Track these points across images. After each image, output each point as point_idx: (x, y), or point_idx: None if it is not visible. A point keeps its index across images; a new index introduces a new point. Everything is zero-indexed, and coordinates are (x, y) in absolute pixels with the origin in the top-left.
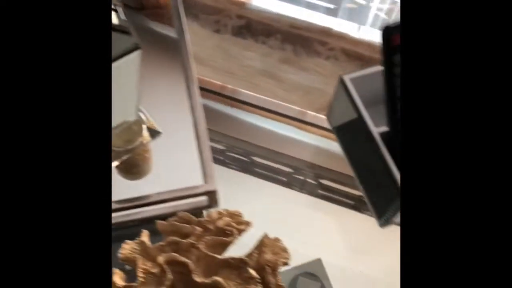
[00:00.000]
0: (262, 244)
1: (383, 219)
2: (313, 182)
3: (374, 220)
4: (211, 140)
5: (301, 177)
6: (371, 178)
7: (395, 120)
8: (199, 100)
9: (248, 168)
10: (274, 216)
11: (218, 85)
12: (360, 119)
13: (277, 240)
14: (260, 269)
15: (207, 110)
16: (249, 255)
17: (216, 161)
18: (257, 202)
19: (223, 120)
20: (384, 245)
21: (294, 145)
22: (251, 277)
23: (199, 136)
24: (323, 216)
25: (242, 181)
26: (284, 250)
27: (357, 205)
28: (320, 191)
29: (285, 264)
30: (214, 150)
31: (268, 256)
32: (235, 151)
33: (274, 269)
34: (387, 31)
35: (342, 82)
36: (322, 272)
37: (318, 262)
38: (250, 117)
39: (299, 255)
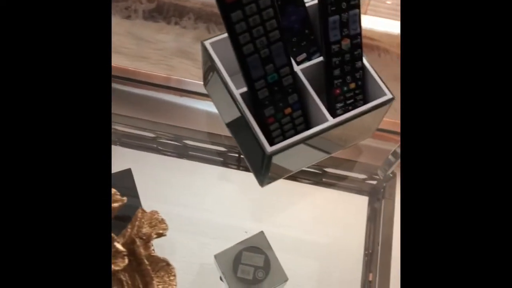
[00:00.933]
0: (136, 219)
1: (260, 177)
2: None
3: (316, 188)
4: (140, 129)
5: (235, 155)
6: (245, 141)
7: (249, 79)
8: None
9: (182, 152)
10: (214, 196)
11: (132, 71)
12: (223, 81)
13: (154, 213)
14: (131, 242)
15: (129, 98)
16: (124, 230)
17: (148, 149)
18: (197, 185)
19: (148, 107)
20: (326, 213)
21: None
22: (118, 251)
23: None
24: (263, 190)
25: (178, 165)
26: (161, 221)
27: (294, 176)
28: None
29: (161, 234)
30: (144, 139)
31: (144, 229)
32: (166, 137)
33: (147, 241)
34: None
35: (203, 47)
36: (266, 244)
37: (261, 235)
38: (176, 99)
39: (242, 231)
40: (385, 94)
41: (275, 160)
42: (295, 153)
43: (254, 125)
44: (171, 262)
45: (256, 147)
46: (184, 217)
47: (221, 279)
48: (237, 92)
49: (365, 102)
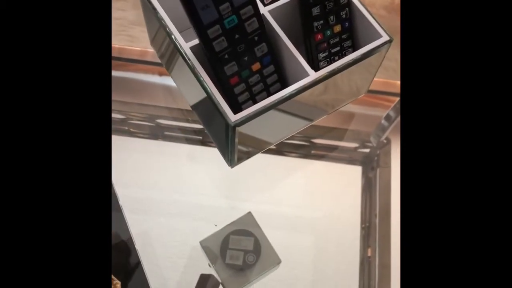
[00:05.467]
0: None
1: (227, 156)
2: None
3: (305, 161)
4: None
5: None
6: (206, 112)
7: (199, 24)
8: None
9: (157, 133)
10: (196, 176)
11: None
12: (167, 32)
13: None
14: None
15: None
16: None
17: (119, 132)
18: (175, 166)
19: (116, 86)
20: (317, 187)
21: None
22: None
23: None
24: (249, 167)
25: (154, 147)
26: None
27: (279, 150)
28: None
29: None
30: (113, 121)
31: None
32: (138, 118)
33: None
34: None
35: None
36: (255, 225)
37: (248, 216)
38: (141, 76)
39: (230, 213)
40: (380, 36)
41: (244, 132)
42: (269, 121)
43: (212, 89)
44: (159, 247)
45: (218, 118)
46: (166, 201)
47: (210, 265)
48: (186, 46)
49: (354, 51)
